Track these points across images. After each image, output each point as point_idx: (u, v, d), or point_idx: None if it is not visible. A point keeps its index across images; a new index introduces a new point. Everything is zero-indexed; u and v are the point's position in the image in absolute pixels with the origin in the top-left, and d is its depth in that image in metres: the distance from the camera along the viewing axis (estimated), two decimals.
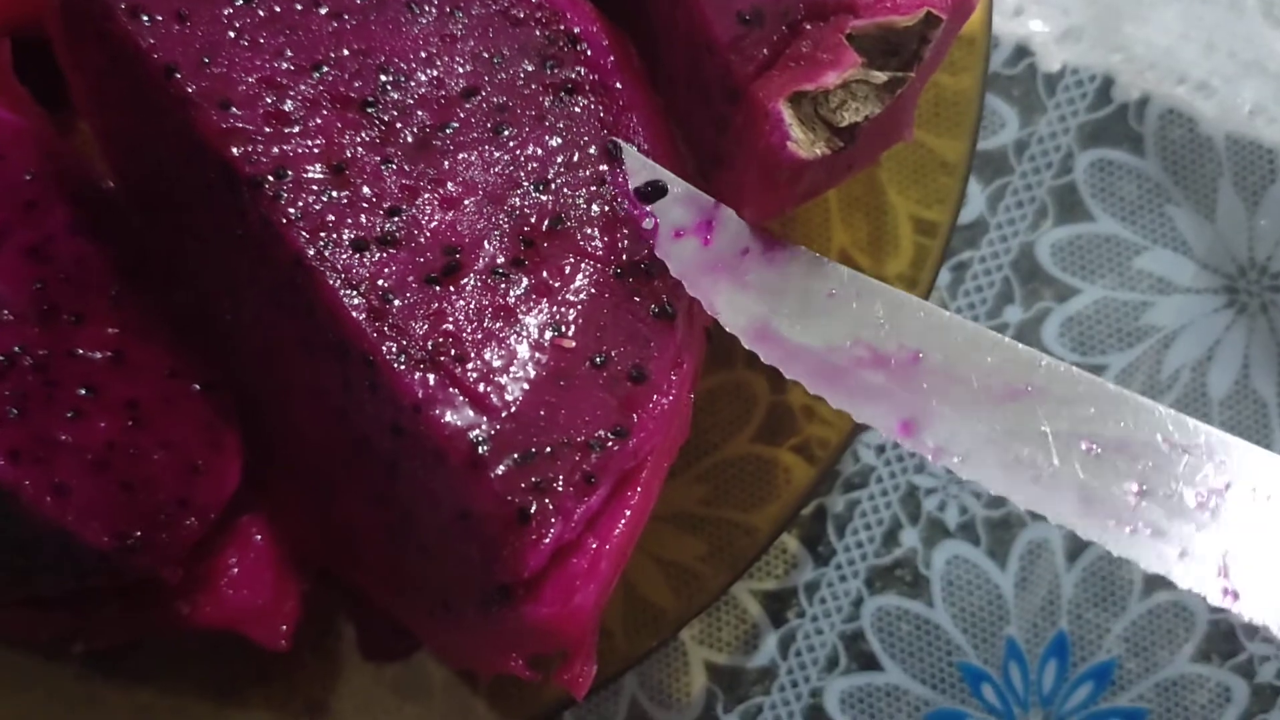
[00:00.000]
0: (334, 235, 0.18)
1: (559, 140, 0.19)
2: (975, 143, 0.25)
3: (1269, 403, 0.27)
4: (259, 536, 0.21)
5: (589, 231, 0.19)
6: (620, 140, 0.20)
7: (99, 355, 0.21)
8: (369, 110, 0.19)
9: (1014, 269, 0.27)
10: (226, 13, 0.19)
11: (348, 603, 0.22)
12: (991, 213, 0.27)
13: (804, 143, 0.17)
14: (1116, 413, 0.20)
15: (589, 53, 0.20)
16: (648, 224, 0.19)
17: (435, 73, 0.20)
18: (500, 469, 0.17)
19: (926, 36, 0.17)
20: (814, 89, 0.17)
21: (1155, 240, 0.27)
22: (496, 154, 0.19)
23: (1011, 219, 0.28)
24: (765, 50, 0.17)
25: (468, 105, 0.19)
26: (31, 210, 0.22)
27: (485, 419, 0.17)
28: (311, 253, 0.18)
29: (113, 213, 0.22)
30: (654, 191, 0.20)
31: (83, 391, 0.20)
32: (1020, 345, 0.20)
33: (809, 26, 0.17)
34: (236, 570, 0.21)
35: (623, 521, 0.18)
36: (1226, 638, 0.26)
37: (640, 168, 0.20)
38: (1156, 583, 0.27)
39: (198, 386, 0.21)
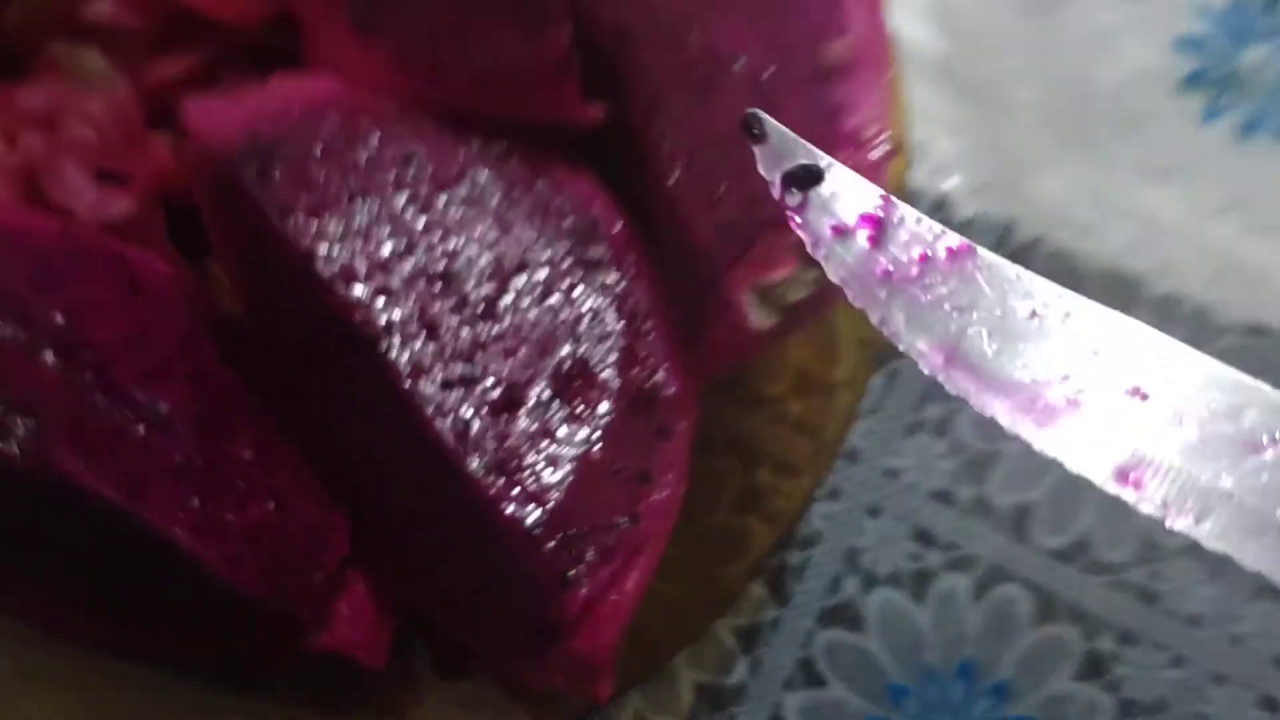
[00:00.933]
0: (429, 378, 0.25)
1: (587, 305, 0.26)
2: None
3: None
4: (361, 587, 0.28)
5: (608, 374, 0.26)
6: (762, 114, 0.17)
7: (246, 456, 0.28)
8: (449, 283, 0.26)
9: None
10: (345, 210, 0.26)
11: (428, 634, 0.29)
12: None
13: (759, 317, 0.24)
14: None
15: (608, 236, 0.28)
16: (793, 200, 0.16)
17: (497, 253, 0.27)
18: (549, 546, 0.24)
19: None
20: (766, 282, 0.24)
21: None
22: (541, 316, 0.26)
23: None
24: (734, 251, 0.25)
25: (520, 278, 0.27)
26: (187, 345, 0.29)
27: (539, 510, 0.24)
28: (414, 392, 0.25)
29: (245, 344, 0.29)
30: (807, 176, 0.17)
31: (239, 484, 0.27)
32: (1268, 388, 0.17)
33: (765, 235, 0.24)
34: (346, 611, 0.28)
35: (634, 580, 0.25)
36: (1098, 662, 0.33)
37: (790, 147, 0.17)
38: (1042, 617, 0.34)
39: (316, 478, 0.28)
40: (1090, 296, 0.35)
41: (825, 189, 0.18)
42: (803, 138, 0.25)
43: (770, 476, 0.32)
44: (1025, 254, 0.34)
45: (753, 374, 0.32)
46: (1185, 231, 0.34)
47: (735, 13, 0.26)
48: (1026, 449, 0.34)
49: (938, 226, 0.18)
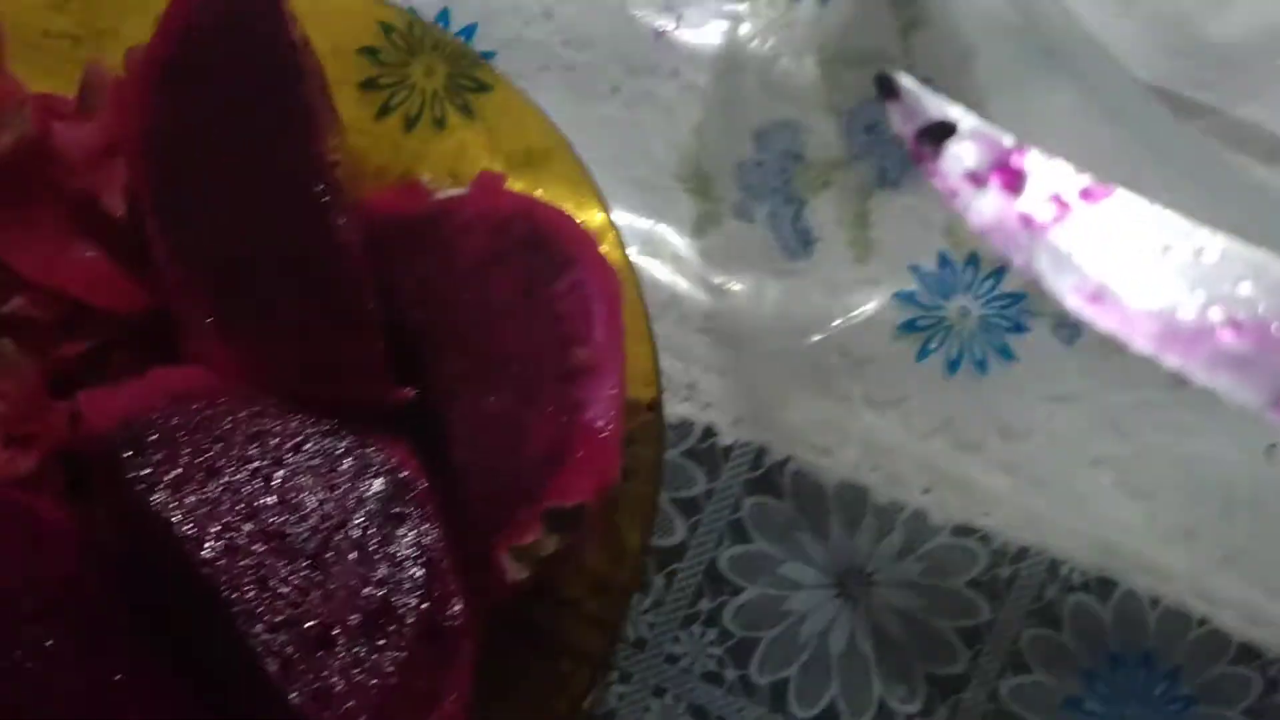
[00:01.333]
0: (260, 621, 0.32)
1: (394, 554, 0.34)
2: (659, 493, 0.40)
3: (869, 657, 0.42)
4: None
5: (410, 615, 0.33)
6: (892, 74, 0.18)
7: (122, 678, 0.34)
8: (283, 541, 0.33)
9: (705, 575, 0.42)
10: (201, 483, 0.33)
11: None
12: (690, 537, 0.42)
13: (516, 569, 0.32)
14: None
15: (413, 493, 0.35)
16: (928, 153, 0.17)
17: (323, 513, 0.34)
18: None
19: (581, 515, 0.32)
20: (520, 545, 0.32)
21: (791, 556, 0.42)
22: (358, 564, 0.33)
23: (703, 542, 0.42)
24: (497, 519, 0.32)
25: (341, 533, 0.34)
26: (74, 582, 0.35)
27: None
28: (246, 633, 0.32)
29: (122, 577, 0.35)
30: (942, 131, 0.18)
31: (115, 704, 0.33)
32: None
33: (520, 507, 0.32)
34: None
35: None
36: None
37: (923, 103, 0.18)
38: None
39: (183, 693, 0.35)
40: (829, 506, 0.43)
41: (960, 140, 0.18)
42: (550, 426, 0.33)
43: (571, 664, 0.38)
44: (776, 471, 0.42)
45: (557, 581, 0.39)
46: (904, 449, 0.42)
47: (509, 323, 0.34)
48: (782, 633, 0.41)
49: (1070, 169, 0.18)
